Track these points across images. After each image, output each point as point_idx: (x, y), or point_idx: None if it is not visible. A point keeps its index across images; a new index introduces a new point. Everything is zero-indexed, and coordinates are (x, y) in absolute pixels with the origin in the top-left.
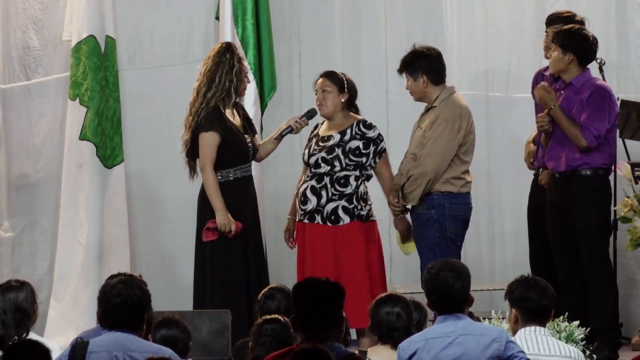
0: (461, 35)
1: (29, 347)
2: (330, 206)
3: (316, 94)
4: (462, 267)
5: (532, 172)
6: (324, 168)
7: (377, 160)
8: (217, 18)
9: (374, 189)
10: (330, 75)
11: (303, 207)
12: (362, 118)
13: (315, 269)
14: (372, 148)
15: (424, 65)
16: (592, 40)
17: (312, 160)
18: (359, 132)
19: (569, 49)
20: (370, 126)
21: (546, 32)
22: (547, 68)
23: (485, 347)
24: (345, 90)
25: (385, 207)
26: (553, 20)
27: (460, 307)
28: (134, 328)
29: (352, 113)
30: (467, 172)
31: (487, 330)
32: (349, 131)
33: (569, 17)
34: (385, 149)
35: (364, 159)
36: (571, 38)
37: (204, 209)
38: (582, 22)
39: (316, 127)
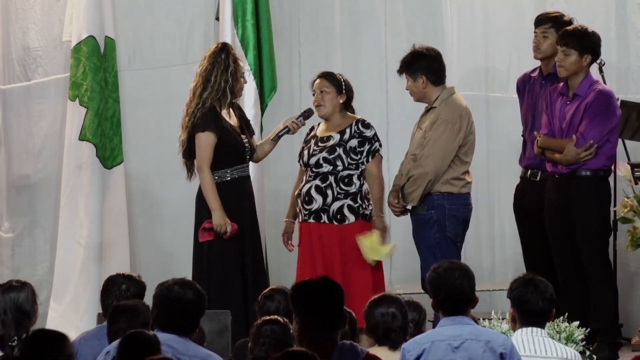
0: (461, 35)
1: (142, 337)
2: (336, 205)
3: (313, 95)
4: (467, 268)
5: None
6: (326, 167)
7: (370, 159)
8: (217, 18)
9: None
10: (328, 76)
11: (308, 207)
12: (360, 117)
13: (321, 268)
14: (366, 146)
15: (423, 66)
16: (600, 38)
17: (313, 160)
18: (357, 131)
19: (587, 50)
20: (368, 126)
21: (535, 32)
22: (533, 70)
23: (490, 354)
24: (343, 91)
25: (385, 207)
26: (542, 20)
27: (466, 307)
28: (186, 332)
29: (349, 113)
30: (467, 172)
31: (494, 336)
32: (348, 130)
33: (557, 17)
34: (378, 150)
35: (358, 157)
36: (587, 39)
37: (202, 210)
38: (570, 22)
39: (312, 129)
